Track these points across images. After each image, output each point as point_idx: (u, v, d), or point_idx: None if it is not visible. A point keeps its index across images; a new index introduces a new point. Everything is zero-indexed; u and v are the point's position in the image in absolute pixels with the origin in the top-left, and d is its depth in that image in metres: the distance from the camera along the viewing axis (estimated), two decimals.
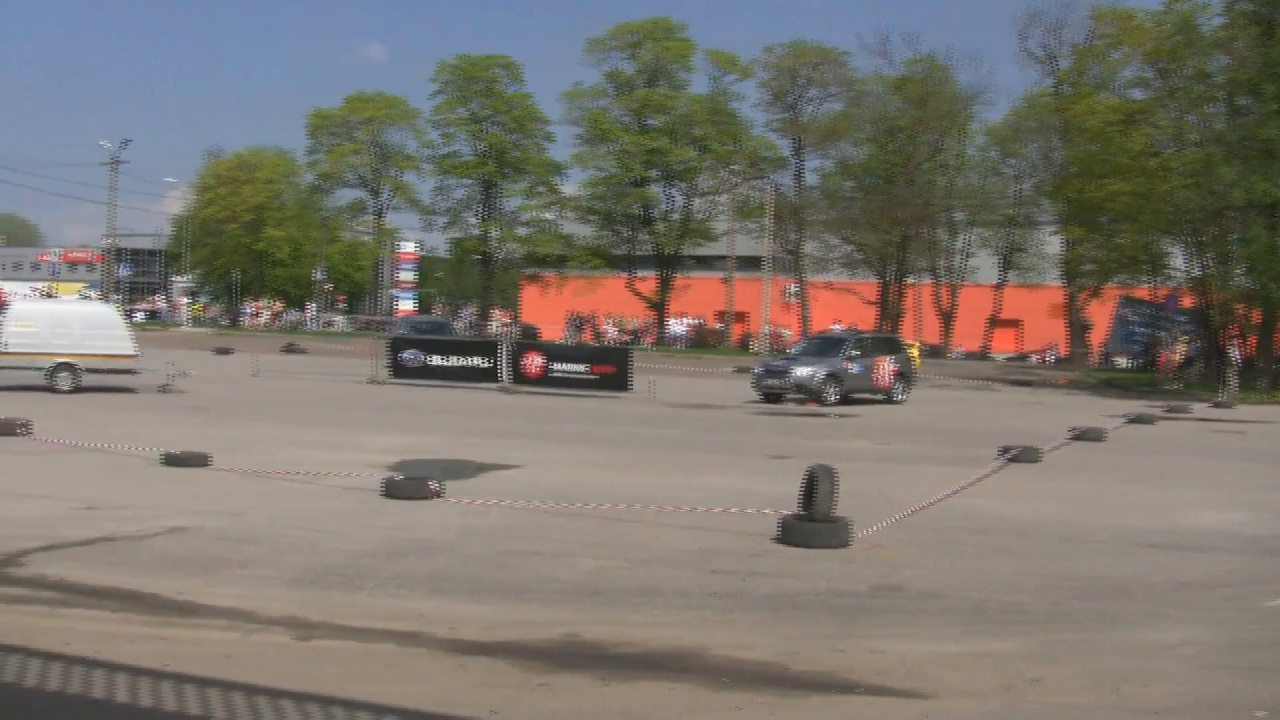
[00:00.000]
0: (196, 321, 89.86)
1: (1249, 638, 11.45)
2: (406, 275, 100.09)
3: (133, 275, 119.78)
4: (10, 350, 33.90)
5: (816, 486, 14.83)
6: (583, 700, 9.18)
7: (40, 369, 33.88)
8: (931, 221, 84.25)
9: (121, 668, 9.43)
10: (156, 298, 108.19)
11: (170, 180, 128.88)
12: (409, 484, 17.53)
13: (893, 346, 44.89)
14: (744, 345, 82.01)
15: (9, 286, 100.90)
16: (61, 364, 33.85)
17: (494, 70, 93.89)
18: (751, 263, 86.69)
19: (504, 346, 43.26)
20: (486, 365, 41.54)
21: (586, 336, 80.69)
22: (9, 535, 14.18)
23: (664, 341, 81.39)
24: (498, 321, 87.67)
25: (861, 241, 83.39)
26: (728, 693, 9.33)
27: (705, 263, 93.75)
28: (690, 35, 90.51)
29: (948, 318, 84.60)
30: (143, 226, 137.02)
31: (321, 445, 23.99)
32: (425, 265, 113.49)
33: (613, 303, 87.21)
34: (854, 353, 40.87)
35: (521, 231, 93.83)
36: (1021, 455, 24.04)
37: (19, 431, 23.79)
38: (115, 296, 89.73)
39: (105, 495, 17.28)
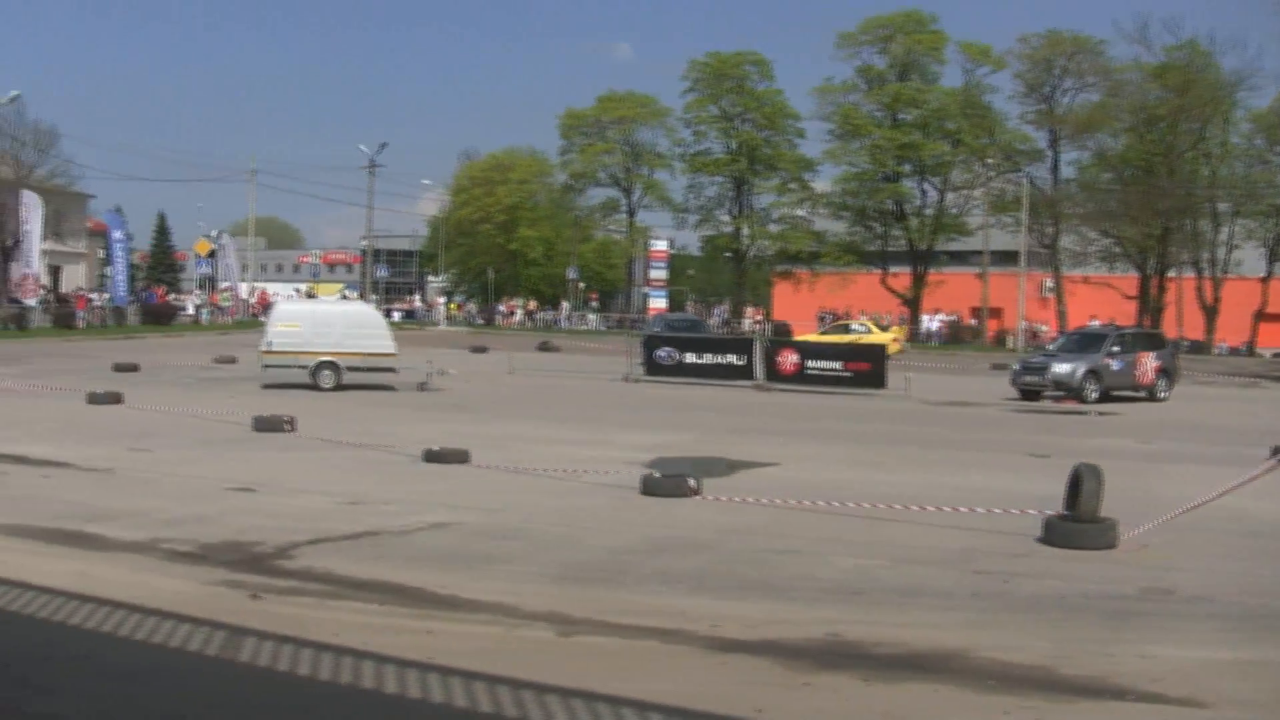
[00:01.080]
0: (452, 321, 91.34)
1: None
2: (658, 273, 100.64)
3: (390, 276, 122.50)
4: (275, 349, 34.89)
5: (1081, 486, 14.47)
6: (846, 700, 9.09)
7: (304, 367, 34.79)
8: (1194, 213, 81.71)
9: (389, 659, 9.57)
10: (413, 297, 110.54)
11: (426, 182, 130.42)
12: (667, 481, 17.55)
13: (1155, 342, 43.68)
14: (999, 342, 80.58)
15: (271, 288, 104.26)
16: (324, 362, 34.71)
17: (744, 67, 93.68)
18: (1007, 257, 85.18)
19: (758, 344, 43.15)
20: (740, 363, 41.43)
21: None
22: (280, 528, 14.58)
23: (918, 338, 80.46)
24: (750, 319, 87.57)
25: (1120, 235, 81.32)
26: (994, 695, 9.16)
27: (959, 258, 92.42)
28: (942, 27, 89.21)
29: (1211, 312, 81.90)
30: (399, 228, 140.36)
31: (578, 442, 24.18)
32: (676, 263, 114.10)
33: (865, 299, 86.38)
34: (1114, 349, 39.81)
35: (773, 228, 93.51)
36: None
37: (285, 428, 24.51)
38: (373, 297, 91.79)
39: (369, 490, 17.69)
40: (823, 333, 66.82)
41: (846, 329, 66.98)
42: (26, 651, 9.89)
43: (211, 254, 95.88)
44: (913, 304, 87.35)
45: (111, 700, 8.61)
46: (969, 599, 12.05)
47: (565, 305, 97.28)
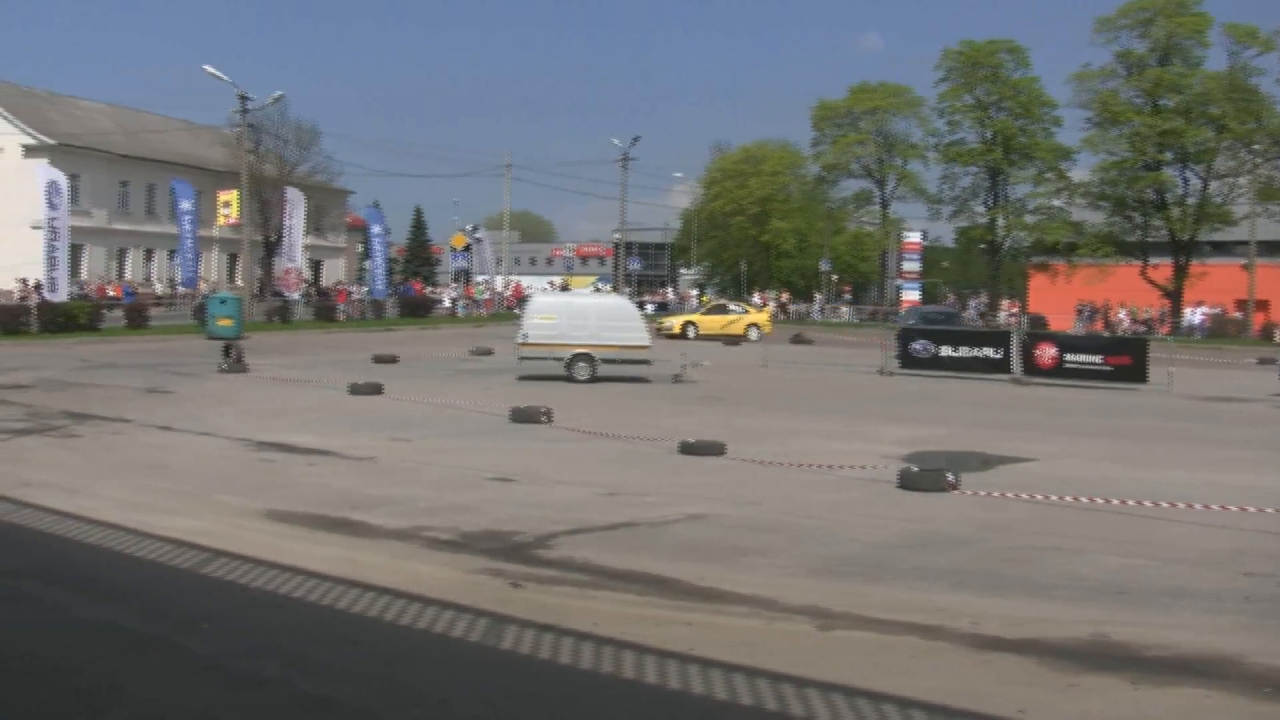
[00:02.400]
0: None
1: None
2: (911, 265, 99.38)
3: (642, 268, 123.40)
4: (531, 341, 35.27)
5: None
6: (1114, 704, 8.85)
7: (559, 359, 35.12)
8: None
9: (648, 650, 9.62)
10: (665, 290, 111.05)
11: (677, 175, 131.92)
12: (925, 476, 17.32)
13: None
14: (1266, 335, 77.90)
15: (525, 281, 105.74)
16: (579, 354, 34.98)
17: (999, 55, 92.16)
18: (1275, 248, 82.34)
19: (1015, 337, 42.39)
20: (997, 356, 40.72)
21: (1098, 326, 78.32)
22: (539, 518, 14.75)
23: (1179, 331, 78.29)
24: (1005, 312, 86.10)
25: None
26: (1269, 704, 8.83)
27: (1223, 249, 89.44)
28: (1205, 9, 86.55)
29: None
30: (651, 220, 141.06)
31: (832, 435, 24.01)
32: (930, 255, 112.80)
33: (1124, 291, 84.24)
34: None
35: (1029, 219, 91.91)
36: None
37: (541, 419, 24.79)
38: (626, 289, 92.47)
39: (626, 481, 17.80)
40: (703, 314, 67.87)
41: (724, 309, 68.29)
42: (298, 633, 10.17)
43: (467, 248, 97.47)
44: (1174, 296, 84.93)
45: (378, 682, 8.80)
46: (1241, 602, 11.62)
47: (818, 298, 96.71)
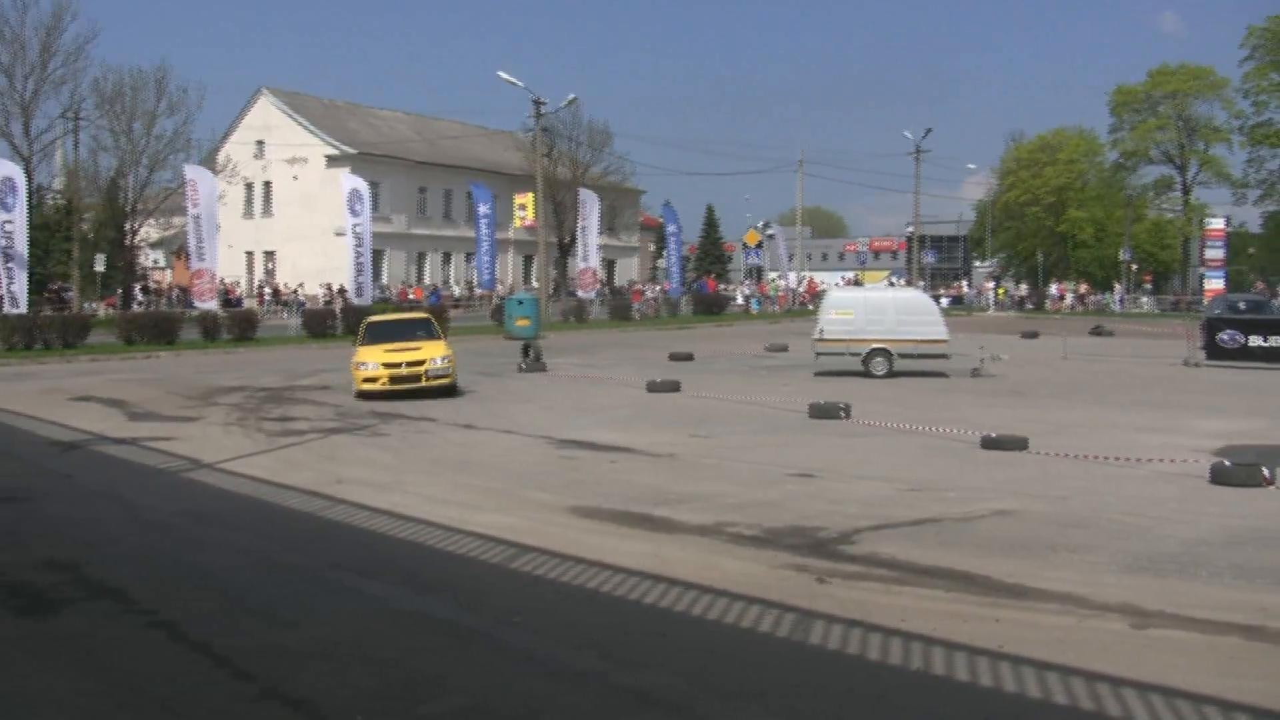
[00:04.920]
0: (1000, 306, 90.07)
1: None
2: (1215, 252, 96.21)
3: (936, 261, 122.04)
4: (828, 337, 35.16)
5: None
6: None
7: (856, 354, 34.94)
8: None
9: (958, 646, 9.53)
10: (960, 283, 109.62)
11: (971, 166, 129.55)
12: (1240, 470, 16.74)
13: None
14: None
15: (818, 276, 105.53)
16: (876, 349, 34.74)
17: None
18: None
19: None
20: None
21: None
22: (842, 514, 14.72)
23: None
24: None
25: None
26: None
27: None
28: None
29: None
30: (944, 213, 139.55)
31: (1139, 429, 23.37)
32: (1234, 241, 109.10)
33: None
34: None
35: None
36: None
37: (840, 415, 24.69)
38: (920, 282, 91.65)
39: (928, 476, 17.63)
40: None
41: None
42: (608, 627, 10.33)
43: (760, 244, 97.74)
44: None
45: (690, 675, 8.90)
46: None
47: (1117, 288, 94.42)
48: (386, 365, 29.25)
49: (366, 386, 29.21)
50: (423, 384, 29.24)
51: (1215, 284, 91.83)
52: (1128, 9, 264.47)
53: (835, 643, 9.76)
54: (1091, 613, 10.57)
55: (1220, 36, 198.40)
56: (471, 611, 10.73)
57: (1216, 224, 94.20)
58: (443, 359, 29.69)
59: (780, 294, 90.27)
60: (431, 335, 31.61)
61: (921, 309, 36.33)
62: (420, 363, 29.46)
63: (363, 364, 29.46)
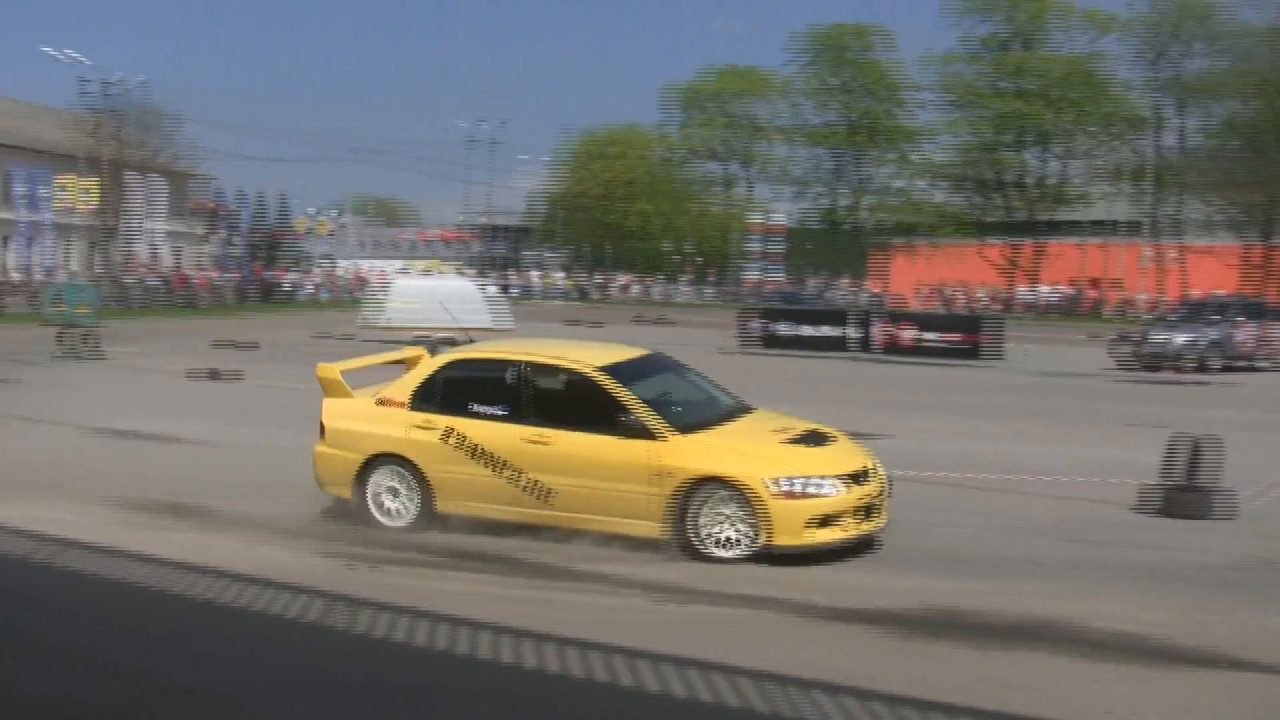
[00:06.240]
0: (550, 294, 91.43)
1: None
2: (760, 246, 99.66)
3: (493, 251, 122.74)
4: (394, 325, 35.16)
5: (1200, 456, 14.32)
6: (962, 668, 9.11)
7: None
8: None
9: (503, 629, 9.68)
10: (515, 272, 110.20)
11: (523, 158, 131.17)
12: None
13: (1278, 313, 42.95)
14: (1119, 313, 79.51)
15: (377, 265, 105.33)
16: (441, 339, 34.89)
17: (861, 38, 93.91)
18: (1123, 228, 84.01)
19: (864, 315, 42.93)
20: (847, 334, 40.91)
21: (957, 305, 79.46)
22: None
23: (1034, 309, 79.83)
24: (862, 291, 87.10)
25: (1246, 202, 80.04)
26: (1107, 664, 9.22)
27: (1074, 228, 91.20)
28: None
29: None
30: (504, 204, 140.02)
31: None
32: (796, 237, 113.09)
33: (982, 271, 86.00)
34: (1238, 319, 39.25)
35: (888, 201, 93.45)
36: None
37: None
38: (469, 270, 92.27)
39: None
40: None
41: None
42: (157, 622, 10.14)
43: (331, 232, 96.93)
44: (1030, 275, 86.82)
45: (241, 669, 8.86)
46: (1094, 569, 12.10)
47: (674, 279, 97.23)
48: None
49: None
50: None
51: (774, 276, 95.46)
52: (682, 8, 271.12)
53: (383, 630, 9.81)
54: (632, 591, 10.94)
55: (775, 39, 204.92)
56: (8, 610, 10.34)
57: (770, 219, 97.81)
58: None
59: (337, 281, 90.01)
60: None
61: (468, 297, 36.63)
62: None
63: None
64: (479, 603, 10.48)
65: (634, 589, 11.07)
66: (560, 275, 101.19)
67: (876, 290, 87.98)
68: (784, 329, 42.11)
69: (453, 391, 13.64)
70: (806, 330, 41.83)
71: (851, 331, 41.16)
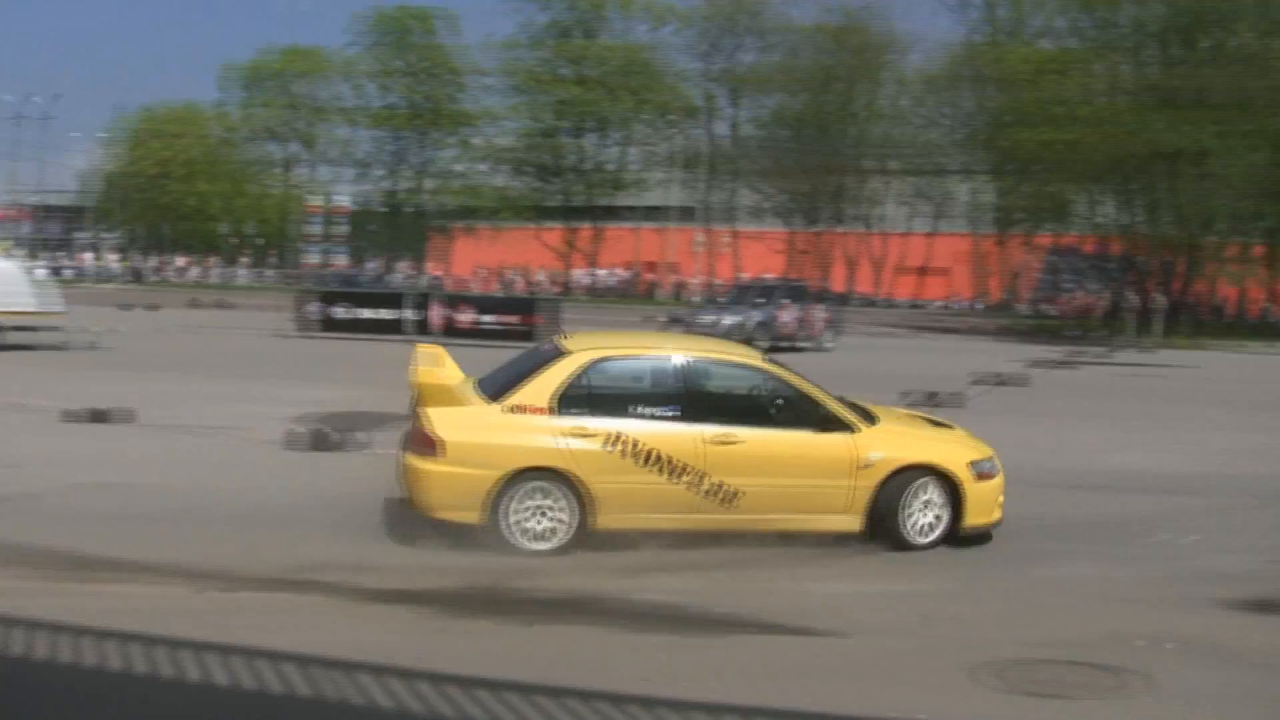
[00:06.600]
0: (117, 277, 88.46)
1: (1155, 574, 11.81)
2: (320, 229, 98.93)
3: (43, 233, 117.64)
4: None
5: None
6: (512, 643, 9.25)
7: None
8: (860, 171, 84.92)
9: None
10: (65, 254, 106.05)
11: (76, 135, 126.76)
12: (311, 436, 17.81)
13: (819, 295, 45.36)
14: (675, 295, 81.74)
15: None
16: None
17: (422, 20, 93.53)
18: (678, 213, 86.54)
19: (420, 298, 42.92)
20: (406, 317, 40.84)
21: (519, 287, 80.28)
22: None
23: (594, 292, 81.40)
24: (418, 274, 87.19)
25: (792, 189, 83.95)
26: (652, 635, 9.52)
27: (631, 213, 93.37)
28: None
29: (878, 267, 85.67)
30: (64, 183, 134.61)
31: (236, 399, 23.17)
32: (361, 219, 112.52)
33: (543, 254, 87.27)
34: (783, 300, 40.98)
35: (450, 184, 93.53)
36: (947, 400, 24.03)
37: None
38: (18, 252, 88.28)
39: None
40: None
41: None
42: None
43: None
44: (579, 258, 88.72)
45: None
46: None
47: (233, 261, 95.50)
48: None
49: None
50: None
51: (335, 258, 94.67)
52: None
53: None
54: (175, 580, 10.57)
55: (337, 19, 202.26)
56: None
57: (333, 201, 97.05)
58: None
59: None
60: None
61: (10, 279, 34.60)
62: None
63: None
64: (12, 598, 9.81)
65: (176, 578, 10.62)
66: (115, 257, 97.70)
67: (437, 273, 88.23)
68: (341, 312, 41.65)
69: (605, 394, 12.30)
70: (365, 313, 41.49)
71: (409, 314, 41.00)
